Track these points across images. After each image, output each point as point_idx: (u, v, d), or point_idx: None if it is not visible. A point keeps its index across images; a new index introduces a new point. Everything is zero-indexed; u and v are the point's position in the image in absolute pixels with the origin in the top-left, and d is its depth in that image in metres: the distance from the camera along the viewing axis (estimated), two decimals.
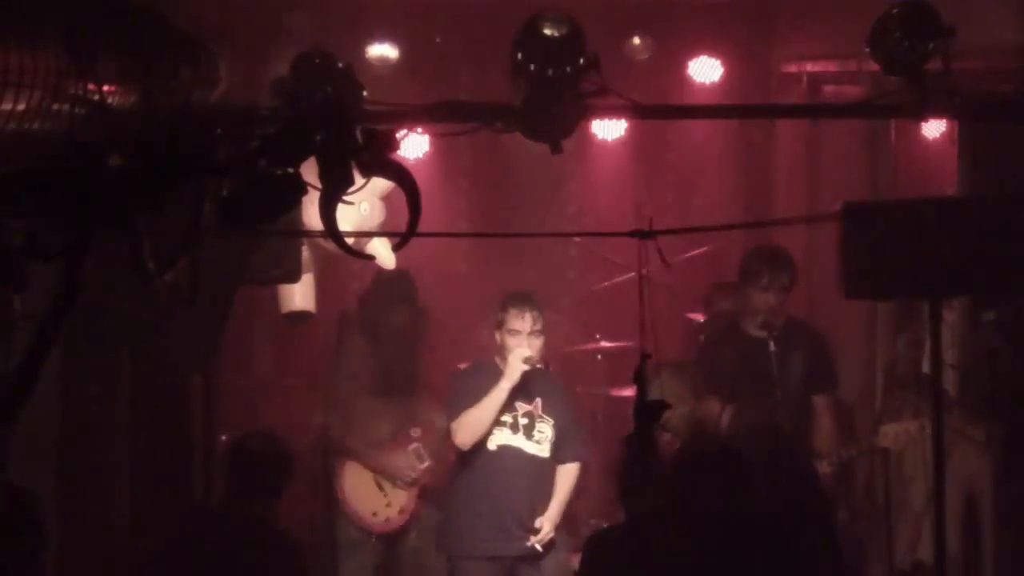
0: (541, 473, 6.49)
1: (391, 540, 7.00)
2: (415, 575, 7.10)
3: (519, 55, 5.04)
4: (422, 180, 3.77)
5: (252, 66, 6.57)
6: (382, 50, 8.14)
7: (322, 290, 7.49)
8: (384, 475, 6.95)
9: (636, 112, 5.39)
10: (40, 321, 3.08)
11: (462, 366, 7.78)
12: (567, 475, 6.54)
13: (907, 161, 7.48)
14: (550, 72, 4.98)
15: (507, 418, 6.41)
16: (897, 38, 5.03)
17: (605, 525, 6.32)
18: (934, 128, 7.47)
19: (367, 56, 8.07)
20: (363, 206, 7.22)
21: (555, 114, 5.12)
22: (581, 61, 4.99)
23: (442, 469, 6.90)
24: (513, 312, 6.41)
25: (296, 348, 8.22)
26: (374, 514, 6.91)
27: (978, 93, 5.49)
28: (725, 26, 8.36)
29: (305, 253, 6.42)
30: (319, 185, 3.55)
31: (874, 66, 5.09)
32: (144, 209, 3.26)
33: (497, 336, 6.48)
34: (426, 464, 6.99)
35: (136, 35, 4.08)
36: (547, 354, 6.67)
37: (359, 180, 3.64)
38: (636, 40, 8.23)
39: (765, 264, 6.57)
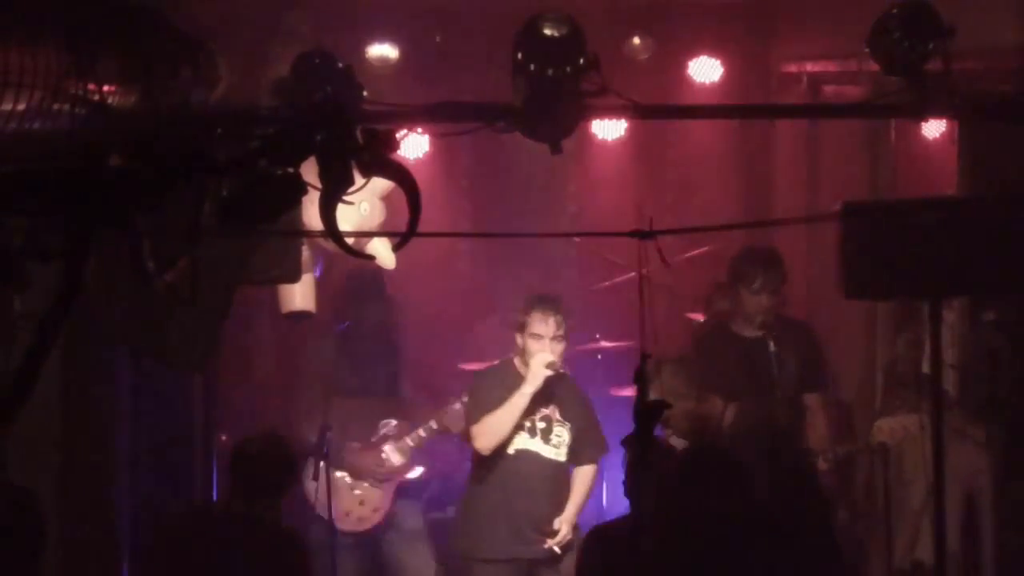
0: (557, 477, 6.48)
1: (368, 539, 6.99)
2: (396, 575, 7.11)
3: (519, 55, 5.04)
4: (422, 180, 3.77)
5: (252, 66, 6.58)
6: (382, 50, 8.14)
7: (322, 290, 7.49)
8: (354, 475, 6.94)
9: (636, 112, 5.39)
10: (40, 321, 3.08)
11: (467, 366, 7.79)
12: (584, 477, 6.54)
13: (907, 161, 7.48)
14: (550, 72, 4.98)
15: (525, 422, 6.37)
16: (897, 38, 5.03)
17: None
18: (934, 128, 7.47)
19: (367, 56, 8.07)
20: (363, 206, 7.22)
21: (555, 114, 5.11)
22: (581, 61, 4.99)
23: (447, 465, 6.91)
24: (537, 316, 6.34)
25: (296, 348, 8.22)
26: (347, 514, 6.90)
27: (978, 93, 5.49)
28: (725, 26, 8.36)
29: (305, 253, 6.42)
30: (319, 185, 3.55)
31: (874, 66, 5.09)
32: (144, 209, 3.26)
33: (518, 339, 6.42)
34: (400, 462, 6.99)
35: (136, 35, 4.08)
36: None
37: (359, 180, 3.64)
38: (636, 40, 8.23)
39: (757, 266, 6.59)
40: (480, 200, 9.11)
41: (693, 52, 8.41)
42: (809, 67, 8.15)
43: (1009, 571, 5.84)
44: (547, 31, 4.95)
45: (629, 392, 6.55)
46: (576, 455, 6.50)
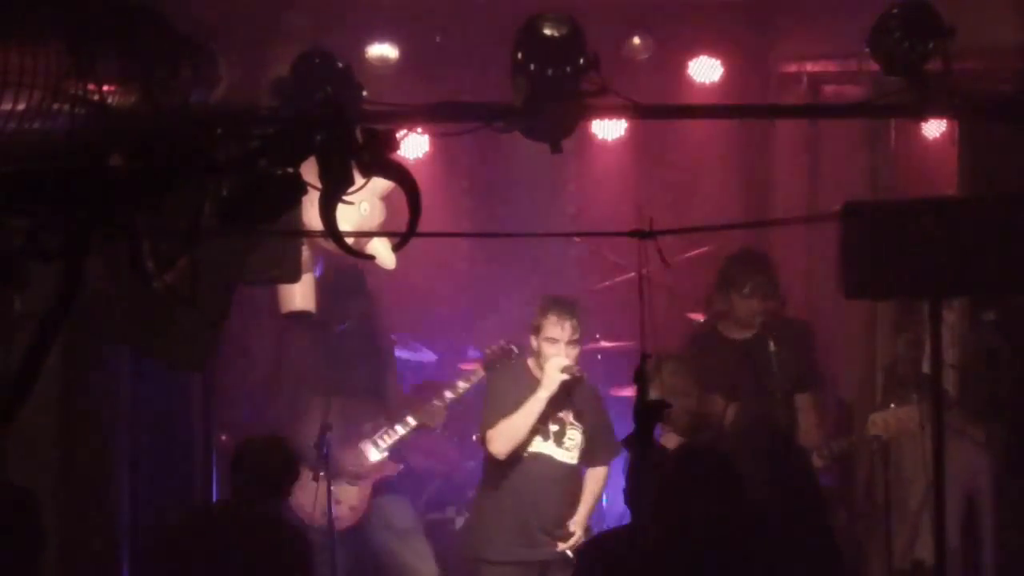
0: (569, 480, 6.48)
1: (348, 537, 6.98)
2: (377, 572, 7.09)
3: (519, 55, 5.04)
4: (422, 180, 3.77)
5: (252, 66, 6.58)
6: (382, 50, 8.14)
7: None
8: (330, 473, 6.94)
9: (636, 112, 5.39)
10: (40, 321, 3.08)
11: (466, 366, 7.78)
12: (596, 479, 6.55)
13: (907, 161, 7.48)
14: (550, 72, 4.98)
15: (538, 425, 6.36)
16: (897, 38, 5.03)
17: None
18: (934, 128, 7.47)
19: (367, 56, 8.07)
20: (363, 206, 7.21)
21: (555, 114, 5.11)
22: (581, 61, 4.99)
23: (446, 465, 6.90)
24: (552, 319, 6.31)
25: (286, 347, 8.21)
26: (324, 513, 6.89)
27: (978, 93, 5.49)
28: (725, 26, 8.36)
29: (305, 253, 6.42)
30: (319, 185, 3.55)
31: (874, 66, 5.09)
32: (144, 209, 3.26)
33: (533, 341, 6.40)
34: (376, 460, 6.98)
35: (136, 35, 4.08)
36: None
37: (359, 180, 3.64)
38: (636, 40, 8.23)
39: (747, 270, 6.61)
40: (480, 200, 9.11)
41: (693, 52, 8.41)
42: (809, 67, 8.14)
43: (1009, 571, 5.83)
44: (547, 31, 4.95)
45: (629, 392, 6.57)
46: (588, 457, 6.50)
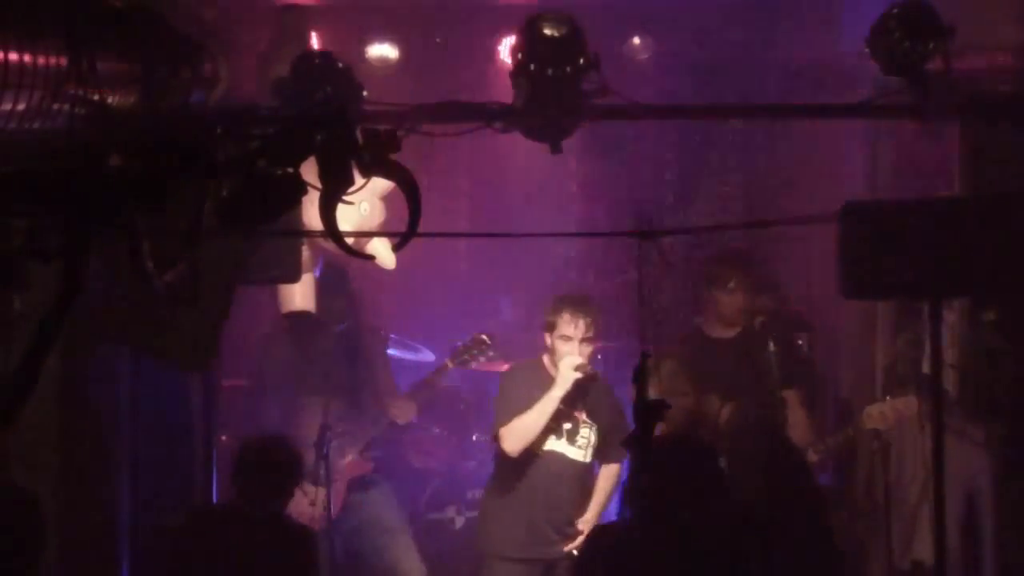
0: (580, 478, 6.47)
1: (327, 537, 6.97)
2: (360, 572, 7.08)
3: (519, 55, 5.04)
4: (422, 180, 3.77)
5: (252, 66, 6.58)
6: (382, 50, 8.14)
7: None
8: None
9: (636, 112, 5.39)
10: (40, 321, 3.08)
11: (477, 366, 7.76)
12: (609, 476, 6.54)
13: (907, 161, 7.47)
14: (550, 72, 4.98)
15: (551, 423, 6.34)
16: (897, 38, 5.03)
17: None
18: (934, 128, 7.46)
19: (367, 56, 8.07)
20: (363, 206, 7.22)
21: (555, 114, 5.12)
22: (581, 61, 4.99)
23: (444, 465, 6.88)
24: (566, 317, 6.28)
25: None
26: (298, 516, 6.88)
27: (978, 93, 5.49)
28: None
29: (305, 253, 6.42)
30: (319, 185, 3.55)
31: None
32: (144, 209, 3.26)
33: (547, 339, 6.38)
34: (347, 460, 6.98)
35: (136, 35, 4.08)
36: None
37: (359, 180, 3.64)
38: (636, 40, 8.23)
39: (729, 267, 6.62)
40: (480, 200, 9.12)
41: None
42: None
43: (1009, 571, 5.83)
44: (547, 31, 4.96)
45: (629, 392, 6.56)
46: (602, 454, 6.48)
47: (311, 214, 4.04)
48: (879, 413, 6.45)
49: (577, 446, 6.42)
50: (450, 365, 7.34)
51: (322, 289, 7.30)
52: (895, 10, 5.07)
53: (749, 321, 6.78)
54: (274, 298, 7.40)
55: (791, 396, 6.60)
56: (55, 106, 3.43)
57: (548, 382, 6.32)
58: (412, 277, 8.48)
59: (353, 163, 3.54)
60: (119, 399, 5.87)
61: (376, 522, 7.08)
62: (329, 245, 4.28)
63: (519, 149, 6.65)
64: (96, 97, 3.63)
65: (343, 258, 6.42)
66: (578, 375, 6.24)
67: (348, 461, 7.03)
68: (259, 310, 7.62)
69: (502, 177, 8.96)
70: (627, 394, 6.47)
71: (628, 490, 5.10)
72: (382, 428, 7.20)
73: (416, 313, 8.86)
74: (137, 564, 5.84)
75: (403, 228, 3.76)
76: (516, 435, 6.30)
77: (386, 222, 7.41)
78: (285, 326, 7.29)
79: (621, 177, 8.79)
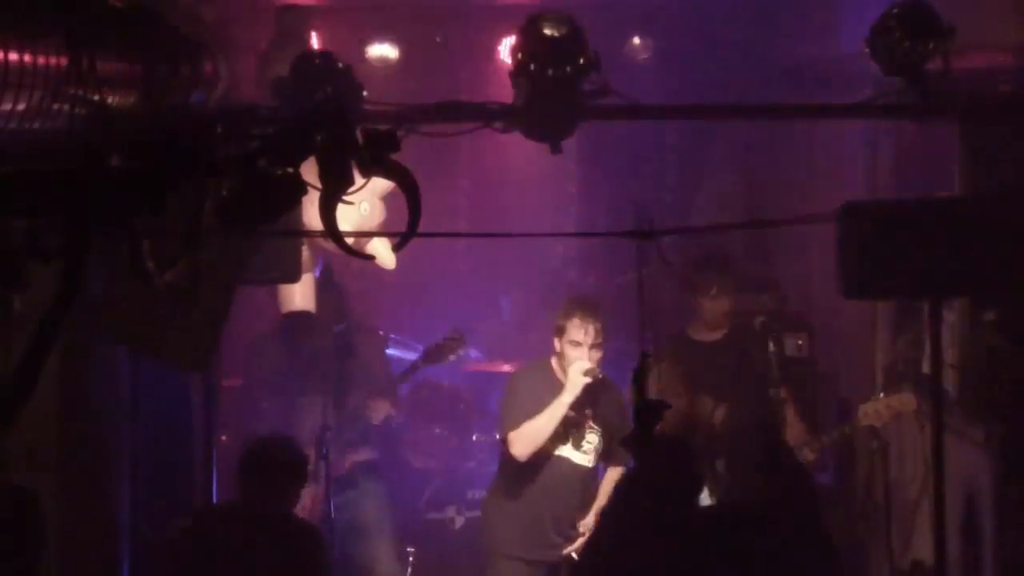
0: (584, 482, 6.47)
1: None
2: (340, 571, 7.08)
3: (519, 55, 5.04)
4: (422, 180, 3.77)
5: (252, 66, 6.58)
6: (382, 50, 8.15)
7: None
8: None
9: (636, 112, 5.39)
10: (40, 321, 3.08)
11: (467, 367, 7.76)
12: (612, 479, 6.51)
13: (907, 161, 7.47)
14: (550, 72, 4.98)
15: (558, 428, 6.32)
16: (897, 38, 5.03)
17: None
18: (934, 128, 7.45)
19: (367, 56, 8.07)
20: (363, 206, 7.21)
21: (555, 114, 5.11)
22: (581, 61, 4.99)
23: (443, 464, 6.85)
24: (576, 322, 6.27)
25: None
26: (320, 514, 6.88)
27: (978, 93, 5.49)
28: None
29: (305, 253, 6.42)
30: (319, 185, 3.55)
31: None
32: (144, 209, 3.26)
33: (556, 343, 6.37)
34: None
35: (136, 35, 4.08)
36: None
37: (359, 180, 3.64)
38: (636, 40, 8.23)
39: (710, 273, 6.63)
40: (480, 200, 9.12)
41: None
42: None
43: (1009, 571, 5.83)
44: (547, 31, 4.96)
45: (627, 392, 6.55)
46: (606, 457, 6.48)
47: (311, 214, 4.04)
48: (875, 410, 6.45)
49: (583, 451, 6.42)
50: (421, 365, 7.31)
51: (321, 289, 7.30)
52: (895, 10, 5.07)
53: (734, 323, 6.77)
54: (274, 298, 7.40)
55: (782, 394, 6.59)
56: (55, 106, 3.42)
57: (557, 386, 6.31)
58: (412, 277, 8.48)
59: (353, 163, 3.54)
60: (119, 399, 5.87)
61: (352, 523, 7.04)
62: (329, 245, 4.27)
63: (519, 149, 6.65)
64: (96, 97, 3.62)
65: (339, 258, 6.43)
66: (587, 380, 6.24)
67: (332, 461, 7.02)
68: (259, 310, 7.62)
69: (502, 177, 8.96)
70: (625, 394, 6.50)
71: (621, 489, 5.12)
72: (358, 428, 7.16)
73: (416, 313, 8.86)
74: (137, 564, 5.84)
75: (403, 228, 3.76)
76: (525, 440, 6.29)
77: (386, 222, 7.41)
78: (283, 326, 7.29)
79: (621, 177, 8.79)
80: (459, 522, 8.21)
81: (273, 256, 5.64)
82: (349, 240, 4.19)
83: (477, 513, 7.17)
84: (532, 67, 4.99)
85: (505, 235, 8.67)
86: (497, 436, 6.78)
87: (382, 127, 3.71)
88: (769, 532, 4.86)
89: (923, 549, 6.42)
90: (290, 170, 3.48)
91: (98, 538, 5.76)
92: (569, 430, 6.36)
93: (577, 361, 6.24)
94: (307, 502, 6.56)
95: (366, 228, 7.17)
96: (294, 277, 5.94)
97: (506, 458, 6.46)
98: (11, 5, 3.26)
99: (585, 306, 6.36)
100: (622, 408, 6.54)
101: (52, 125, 3.48)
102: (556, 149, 5.22)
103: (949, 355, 6.00)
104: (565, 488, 6.40)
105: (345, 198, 3.59)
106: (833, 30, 7.43)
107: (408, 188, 3.69)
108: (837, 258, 5.43)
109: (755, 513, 5.00)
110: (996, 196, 5.55)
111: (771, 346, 6.47)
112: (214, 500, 5.99)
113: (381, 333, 7.84)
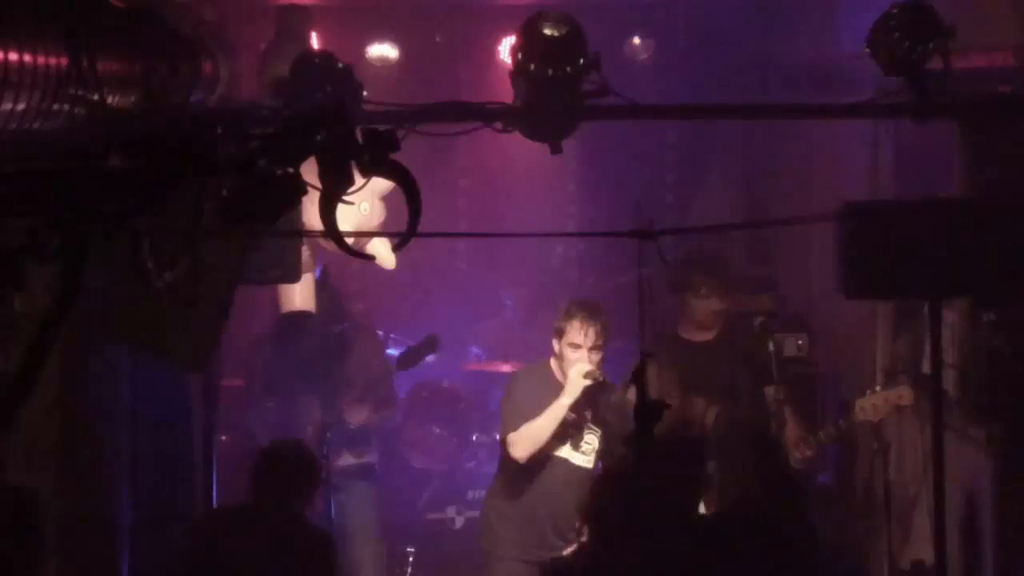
0: (584, 483, 6.44)
1: None
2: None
3: (519, 55, 5.04)
4: (422, 180, 3.77)
5: (252, 66, 6.58)
6: (382, 50, 8.16)
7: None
8: None
9: (636, 112, 5.39)
10: (40, 321, 3.08)
11: (468, 367, 7.76)
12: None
13: (907, 161, 7.48)
14: (550, 72, 4.98)
15: (557, 429, 6.31)
16: (897, 38, 5.03)
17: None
18: (934, 128, 7.45)
19: (367, 56, 8.08)
20: (363, 206, 7.22)
21: (555, 114, 5.12)
22: (581, 61, 4.99)
23: (443, 464, 6.81)
24: (576, 324, 6.25)
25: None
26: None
27: (978, 93, 5.49)
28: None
29: (305, 253, 6.42)
30: (319, 185, 3.55)
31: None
32: (144, 209, 3.26)
33: (555, 344, 6.36)
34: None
35: (136, 35, 4.08)
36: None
37: (359, 180, 3.64)
38: (636, 40, 8.24)
39: (700, 273, 6.64)
40: (480, 200, 9.13)
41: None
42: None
43: (1009, 571, 5.83)
44: (547, 31, 4.96)
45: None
46: (606, 458, 6.48)
47: (311, 214, 4.04)
48: (872, 405, 6.44)
49: (582, 452, 6.42)
50: (394, 370, 7.29)
51: (320, 290, 7.30)
52: (895, 10, 5.07)
53: (726, 323, 6.77)
54: (274, 298, 7.40)
55: (770, 392, 6.59)
56: (55, 106, 3.43)
57: (556, 388, 6.31)
58: (412, 277, 8.49)
59: (353, 163, 3.54)
60: (119, 399, 5.87)
61: (341, 526, 7.01)
62: (329, 245, 4.27)
63: (519, 149, 6.66)
64: (96, 97, 3.63)
65: (339, 257, 6.43)
66: (587, 383, 6.23)
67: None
68: (259, 310, 7.63)
69: (502, 177, 8.96)
70: (623, 395, 6.50)
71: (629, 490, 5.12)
72: (343, 430, 7.13)
73: (416, 313, 8.86)
74: (137, 564, 5.84)
75: (403, 228, 3.76)
76: (524, 442, 6.29)
77: (386, 222, 7.41)
78: (282, 326, 7.28)
79: (621, 177, 8.79)
80: (459, 522, 8.22)
81: (273, 256, 5.64)
82: (349, 240, 4.18)
83: (477, 513, 7.16)
84: (532, 67, 4.99)
85: (505, 235, 8.68)
86: (497, 437, 6.78)
87: (382, 127, 3.70)
88: (759, 534, 4.87)
89: (923, 549, 6.42)
90: (290, 170, 3.47)
91: (98, 538, 5.76)
92: (568, 431, 6.36)
93: (577, 363, 6.24)
94: None
95: (366, 228, 7.17)
96: (294, 277, 5.95)
97: (505, 459, 6.46)
98: (11, 5, 3.26)
99: (585, 308, 6.35)
100: (621, 409, 6.53)
101: (52, 125, 3.48)
102: (556, 149, 5.22)
103: (949, 355, 6.00)
104: (565, 489, 6.39)
105: (345, 198, 3.59)
106: (833, 30, 7.43)
107: (408, 188, 3.68)
108: (837, 258, 5.43)
109: (746, 515, 5.01)
110: (996, 196, 5.55)
111: (771, 346, 6.47)
112: (214, 500, 5.99)
113: (380, 333, 7.83)
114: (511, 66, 5.15)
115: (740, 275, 8.00)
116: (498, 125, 5.24)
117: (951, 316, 5.97)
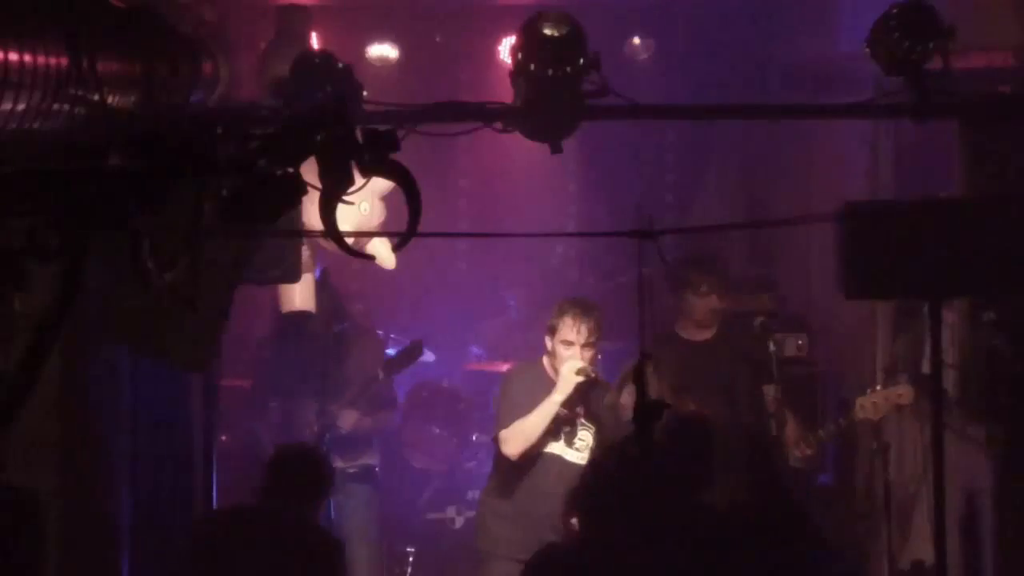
0: (577, 479, 6.46)
1: None
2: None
3: (519, 55, 5.04)
4: (422, 180, 3.77)
5: (252, 66, 6.58)
6: (382, 50, 8.16)
7: None
8: None
9: (636, 112, 5.39)
10: (40, 321, 3.08)
11: (470, 367, 7.76)
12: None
13: (907, 161, 7.48)
14: (550, 72, 4.98)
15: (550, 426, 6.31)
16: (897, 38, 5.03)
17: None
18: (934, 128, 7.45)
19: (367, 56, 8.08)
20: (363, 206, 7.21)
21: (555, 114, 5.12)
22: (581, 61, 4.99)
23: (443, 464, 6.81)
24: (568, 322, 6.26)
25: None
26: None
27: (978, 93, 5.49)
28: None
29: (305, 253, 6.42)
30: (319, 185, 3.55)
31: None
32: (144, 209, 3.26)
33: (548, 342, 6.37)
34: None
35: (136, 35, 4.08)
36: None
37: (359, 180, 3.64)
38: (636, 40, 8.24)
39: (700, 271, 6.64)
40: (480, 200, 9.13)
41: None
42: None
43: (1009, 571, 5.83)
44: (547, 31, 4.96)
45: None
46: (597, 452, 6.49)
47: (311, 214, 4.04)
48: (871, 403, 6.45)
49: (575, 448, 6.43)
50: (381, 375, 7.29)
51: (319, 290, 7.29)
52: (895, 10, 5.07)
53: (725, 322, 6.78)
54: (274, 298, 7.40)
55: (769, 391, 6.60)
56: (55, 106, 3.42)
57: (549, 385, 6.31)
58: (412, 277, 8.49)
59: (353, 163, 3.54)
60: (119, 399, 5.87)
61: (339, 527, 7.01)
62: (329, 245, 4.27)
63: (519, 149, 6.66)
64: (96, 97, 3.62)
65: (339, 257, 6.43)
66: (579, 379, 6.24)
67: None
68: (259, 310, 7.63)
69: (502, 177, 8.97)
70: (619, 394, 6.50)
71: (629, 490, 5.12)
72: (332, 436, 7.11)
73: (416, 313, 8.87)
74: (137, 564, 5.84)
75: (403, 228, 3.76)
76: (516, 438, 6.30)
77: (386, 222, 7.41)
78: (282, 326, 7.28)
79: (621, 177, 8.80)
80: (459, 522, 8.22)
81: (273, 256, 5.64)
82: (349, 240, 4.19)
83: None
84: (532, 67, 4.99)
85: (505, 235, 8.69)
86: (474, 436, 6.79)
87: (382, 127, 3.70)
88: (756, 534, 4.87)
89: (923, 549, 6.42)
90: (290, 170, 3.47)
91: (98, 538, 5.76)
92: (561, 428, 6.37)
93: (569, 360, 6.25)
94: None
95: (366, 228, 7.17)
96: (294, 277, 5.95)
97: (499, 457, 6.47)
98: (11, 5, 3.26)
99: (578, 305, 6.35)
100: (613, 411, 6.55)
101: (52, 125, 3.48)
102: (556, 149, 5.22)
103: (949, 355, 6.00)
104: (559, 486, 6.39)
105: (345, 198, 3.59)
106: (833, 30, 7.44)
107: (408, 188, 3.68)
108: (837, 258, 5.43)
109: (742, 514, 5.01)
110: (996, 196, 5.55)
111: (771, 346, 6.47)
112: (214, 500, 5.99)
113: (380, 334, 7.83)
114: (511, 66, 5.15)
115: (740, 275, 8.01)
116: (498, 125, 5.24)
117: (951, 316, 5.97)
